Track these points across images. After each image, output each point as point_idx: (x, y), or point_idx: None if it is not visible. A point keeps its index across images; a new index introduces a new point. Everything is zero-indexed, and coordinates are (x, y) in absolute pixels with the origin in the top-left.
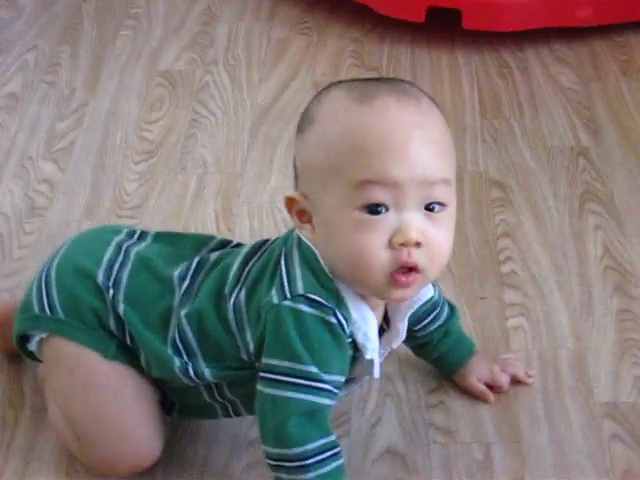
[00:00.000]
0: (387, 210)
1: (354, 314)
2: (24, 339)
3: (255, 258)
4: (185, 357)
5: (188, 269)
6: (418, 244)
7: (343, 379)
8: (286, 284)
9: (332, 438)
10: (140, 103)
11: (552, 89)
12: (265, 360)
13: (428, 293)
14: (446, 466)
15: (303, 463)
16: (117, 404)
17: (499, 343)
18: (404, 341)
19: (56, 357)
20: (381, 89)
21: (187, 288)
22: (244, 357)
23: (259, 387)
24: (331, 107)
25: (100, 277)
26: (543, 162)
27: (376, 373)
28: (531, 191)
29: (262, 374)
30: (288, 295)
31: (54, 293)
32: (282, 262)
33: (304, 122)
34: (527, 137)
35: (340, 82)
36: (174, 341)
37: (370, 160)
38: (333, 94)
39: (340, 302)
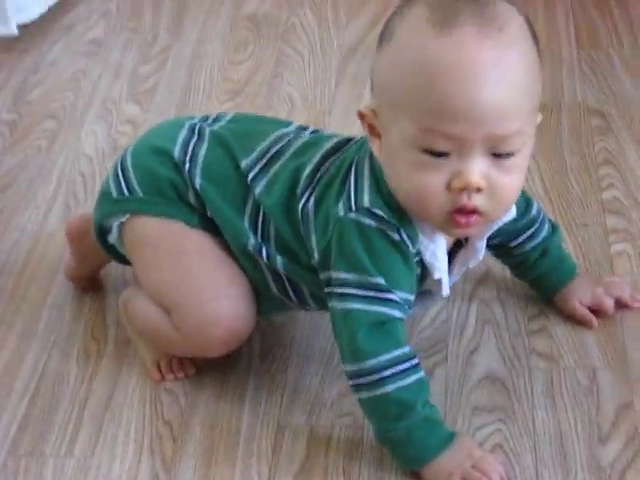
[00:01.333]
0: (450, 155)
1: (421, 234)
2: (104, 232)
3: (332, 159)
4: (259, 237)
5: (261, 158)
6: (479, 189)
7: (411, 297)
8: (352, 196)
9: (407, 349)
10: (225, 46)
11: None
12: (333, 274)
13: (510, 215)
14: (549, 392)
15: (380, 376)
16: (207, 265)
17: (602, 269)
18: (501, 259)
19: (140, 237)
20: (465, 13)
21: (259, 172)
22: (312, 261)
23: (331, 304)
24: (410, 27)
25: (176, 153)
26: None
27: (445, 291)
28: (632, 119)
29: (332, 289)
30: (353, 208)
31: (131, 175)
32: (352, 171)
33: (385, 34)
34: (626, 66)
35: None
36: (251, 218)
37: (436, 106)
38: (416, 10)
39: (405, 221)
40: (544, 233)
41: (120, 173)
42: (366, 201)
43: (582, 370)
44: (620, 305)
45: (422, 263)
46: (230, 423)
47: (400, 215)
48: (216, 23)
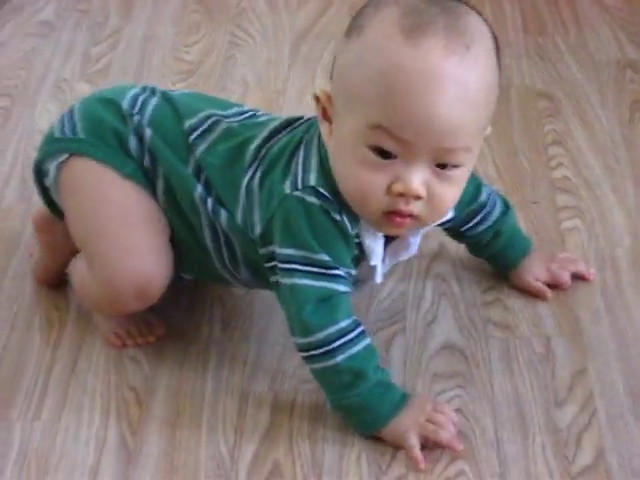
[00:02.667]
0: (395, 158)
1: (362, 221)
2: (42, 175)
3: (279, 136)
4: (205, 190)
5: (203, 122)
6: (418, 197)
7: (353, 272)
8: (300, 174)
9: (353, 319)
10: (176, 28)
11: (595, 9)
12: (279, 250)
13: (445, 217)
14: (506, 359)
15: (330, 347)
16: (125, 218)
17: (555, 245)
18: (455, 239)
19: (73, 181)
20: (436, 23)
21: (200, 135)
22: (250, 233)
23: (278, 279)
24: (380, 27)
25: (125, 105)
26: (590, 74)
27: (378, 278)
28: (579, 102)
29: (279, 265)
30: (299, 186)
31: (76, 119)
32: (301, 150)
33: (354, 25)
34: (572, 52)
35: None
36: (196, 169)
37: (392, 109)
38: (389, 11)
39: (348, 204)
40: (495, 215)
41: (66, 117)
42: (312, 180)
43: (537, 338)
44: (576, 277)
45: (359, 247)
46: (194, 389)
47: (343, 198)
48: (166, 6)
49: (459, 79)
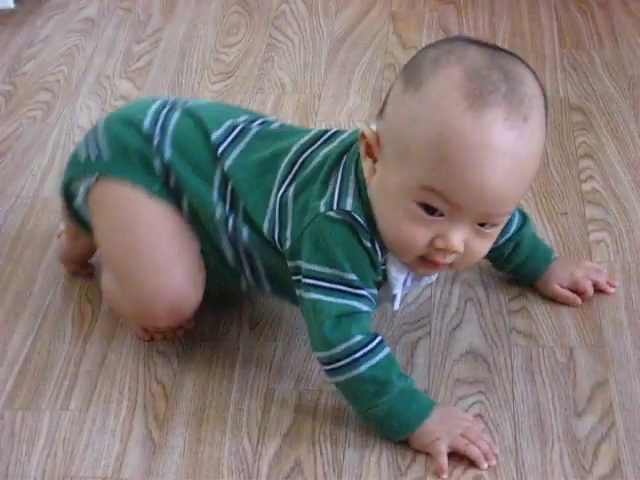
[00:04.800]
0: (441, 215)
1: (391, 254)
2: (70, 196)
3: (313, 148)
4: (228, 208)
5: (230, 132)
6: (456, 252)
7: (375, 292)
8: (336, 196)
9: (371, 332)
10: (217, 28)
11: (632, 23)
12: (306, 266)
13: None
14: (528, 368)
15: (352, 358)
16: (155, 237)
17: (581, 257)
18: None
19: (102, 201)
20: (498, 91)
21: (228, 146)
22: (278, 245)
23: (302, 294)
24: (441, 87)
25: (146, 124)
26: (624, 90)
27: (396, 306)
28: (612, 116)
29: (304, 280)
30: (335, 207)
31: (101, 140)
32: (339, 172)
33: (412, 77)
34: (607, 66)
35: (467, 43)
36: (220, 189)
37: (446, 174)
38: (451, 71)
39: (379, 233)
40: (515, 226)
41: (91, 139)
42: (349, 204)
43: (560, 348)
44: (596, 290)
45: (384, 274)
46: (221, 385)
47: (376, 228)
48: (208, 6)
49: (515, 153)
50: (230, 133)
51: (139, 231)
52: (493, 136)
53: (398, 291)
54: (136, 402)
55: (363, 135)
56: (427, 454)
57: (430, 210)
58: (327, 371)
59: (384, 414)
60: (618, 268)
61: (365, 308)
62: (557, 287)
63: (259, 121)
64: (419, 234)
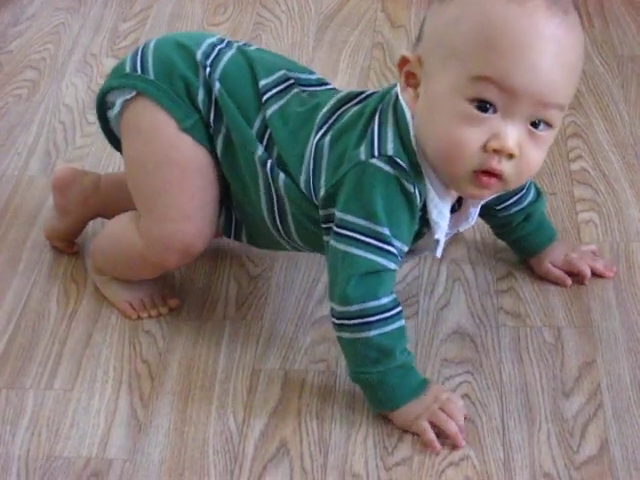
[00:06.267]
0: (494, 112)
1: (432, 191)
2: (105, 105)
3: (349, 105)
4: (266, 148)
5: (280, 83)
6: (511, 155)
7: (406, 249)
8: (376, 142)
9: (393, 297)
10: (204, 7)
11: (622, 2)
12: (340, 215)
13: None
14: (516, 348)
15: (365, 320)
16: (184, 181)
17: (570, 236)
18: (484, 219)
19: (135, 123)
20: None
21: (274, 95)
22: (312, 195)
23: (331, 241)
24: None
25: (199, 55)
26: (613, 69)
27: (439, 253)
28: (601, 96)
29: (335, 229)
30: (376, 154)
31: (149, 57)
32: (376, 118)
33: None
34: (597, 46)
35: None
36: (258, 132)
37: (498, 59)
38: None
39: (420, 177)
40: (529, 198)
41: (139, 53)
42: (390, 149)
43: (548, 329)
44: (594, 274)
45: (423, 222)
46: (207, 365)
47: (416, 170)
48: None
49: (560, 39)
50: (278, 85)
51: (170, 172)
52: (539, 21)
53: (441, 236)
54: (121, 382)
55: (401, 63)
56: (414, 434)
57: (483, 107)
58: (335, 324)
59: (374, 382)
60: (607, 248)
61: (392, 266)
62: (550, 266)
63: (312, 79)
64: (473, 136)
